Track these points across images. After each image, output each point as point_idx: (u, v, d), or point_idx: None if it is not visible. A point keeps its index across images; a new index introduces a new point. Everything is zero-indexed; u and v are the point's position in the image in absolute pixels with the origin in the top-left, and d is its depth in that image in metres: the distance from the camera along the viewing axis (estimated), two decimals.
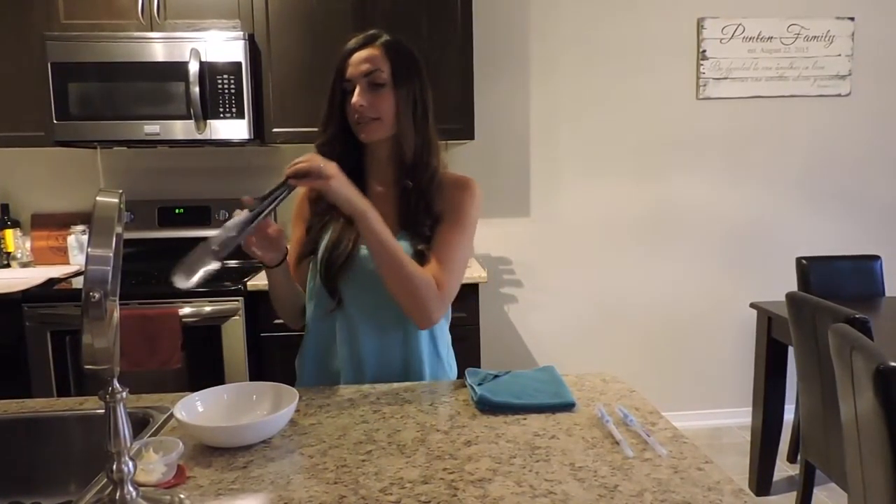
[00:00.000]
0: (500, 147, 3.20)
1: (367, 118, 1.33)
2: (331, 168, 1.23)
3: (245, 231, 1.18)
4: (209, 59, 2.60)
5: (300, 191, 1.44)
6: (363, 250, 1.35)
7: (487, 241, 3.24)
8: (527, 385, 1.26)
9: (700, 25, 3.20)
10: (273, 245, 1.31)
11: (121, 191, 0.81)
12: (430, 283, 1.30)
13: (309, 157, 1.23)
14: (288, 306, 1.46)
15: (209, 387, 1.17)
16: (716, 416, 3.41)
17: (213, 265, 1.13)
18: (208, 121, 2.62)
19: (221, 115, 2.62)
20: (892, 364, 1.36)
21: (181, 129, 2.63)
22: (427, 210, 1.38)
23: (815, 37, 3.25)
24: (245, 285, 2.51)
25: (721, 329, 3.39)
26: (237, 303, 2.48)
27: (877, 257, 2.91)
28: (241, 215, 1.19)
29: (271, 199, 1.21)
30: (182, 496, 0.88)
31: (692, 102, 3.26)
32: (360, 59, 1.33)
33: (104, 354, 0.77)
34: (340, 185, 1.24)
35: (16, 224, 2.97)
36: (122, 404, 0.82)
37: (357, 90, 1.32)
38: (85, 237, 2.90)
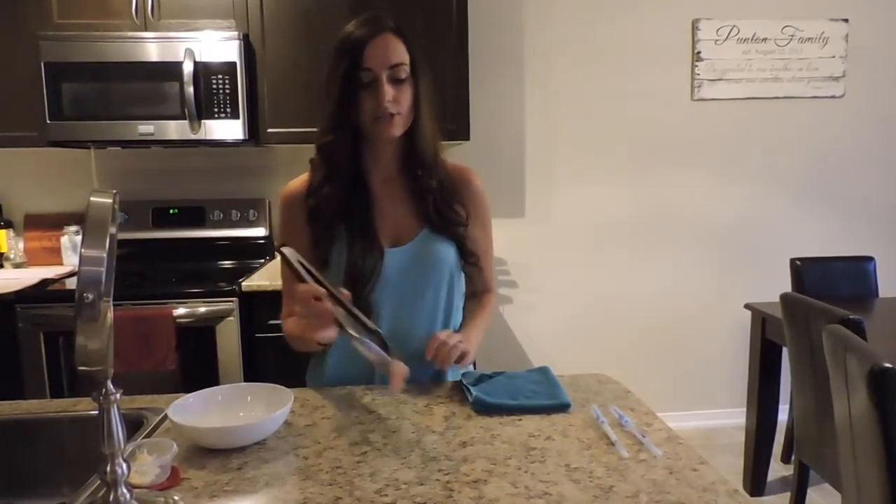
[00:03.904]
0: (496, 148, 3.20)
1: (389, 114, 1.25)
2: (461, 342, 1.24)
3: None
4: (203, 60, 2.59)
5: (285, 195, 1.37)
6: (391, 256, 1.31)
7: None
8: (522, 386, 1.26)
9: (695, 27, 3.21)
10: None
11: (114, 191, 0.80)
12: (491, 305, 1.48)
13: (455, 344, 1.22)
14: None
15: (203, 388, 1.16)
16: (710, 416, 3.42)
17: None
18: (203, 121, 2.61)
19: (216, 116, 2.62)
20: (886, 365, 1.37)
21: (175, 129, 2.62)
22: (450, 206, 1.36)
23: (809, 38, 3.26)
24: (240, 286, 2.50)
25: (715, 330, 3.40)
26: (231, 303, 2.47)
27: (870, 258, 2.92)
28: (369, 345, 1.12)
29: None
30: (176, 498, 0.88)
31: (687, 103, 3.27)
32: (383, 49, 1.23)
33: (98, 356, 0.77)
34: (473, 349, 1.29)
35: (9, 225, 2.96)
36: (115, 406, 0.81)
37: (385, 83, 1.23)
38: (78, 238, 2.89)
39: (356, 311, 1.15)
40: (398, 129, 1.28)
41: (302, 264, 1.17)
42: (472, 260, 1.39)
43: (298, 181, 1.38)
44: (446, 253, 1.35)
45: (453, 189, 1.37)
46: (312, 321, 1.12)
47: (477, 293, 1.48)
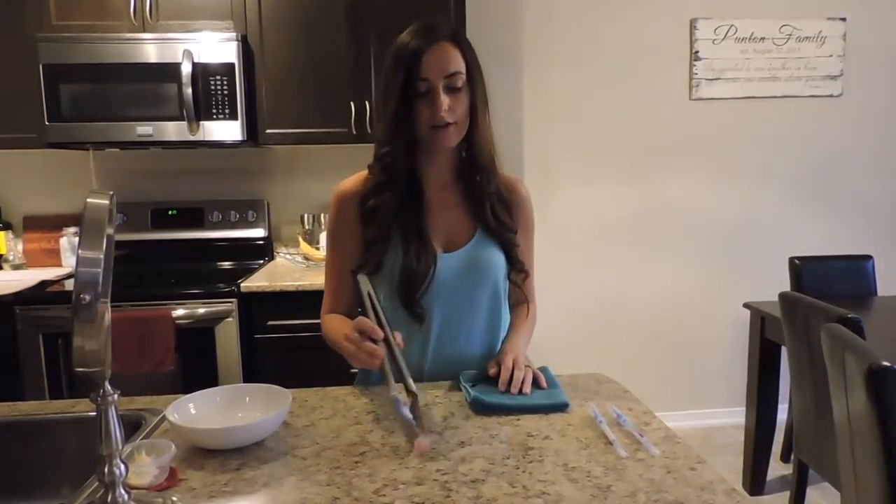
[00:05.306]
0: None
1: (446, 124, 1.25)
2: (527, 366, 1.26)
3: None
4: (202, 61, 2.59)
5: (339, 193, 1.37)
6: (444, 260, 1.32)
7: None
8: None
9: (693, 26, 3.21)
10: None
11: (111, 192, 0.80)
12: (535, 316, 1.47)
13: (518, 365, 1.23)
14: None
15: (202, 389, 1.16)
16: (709, 416, 3.42)
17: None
18: (201, 122, 2.61)
19: (214, 117, 2.62)
20: (884, 364, 1.37)
21: (174, 130, 2.62)
22: (505, 212, 1.37)
23: (806, 37, 3.26)
24: (238, 287, 2.50)
25: (714, 329, 3.40)
26: (231, 304, 2.47)
27: (869, 257, 2.93)
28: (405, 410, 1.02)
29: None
30: (174, 499, 0.88)
31: (685, 103, 3.27)
32: (440, 59, 1.23)
33: (95, 357, 0.77)
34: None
35: (8, 226, 2.96)
36: (113, 407, 0.81)
37: (441, 93, 1.23)
38: (77, 239, 2.89)
39: (403, 365, 1.12)
40: (454, 138, 1.29)
41: (370, 297, 1.18)
42: (518, 267, 1.40)
43: (353, 181, 1.38)
44: (497, 260, 1.36)
45: (505, 196, 1.40)
46: (360, 355, 1.13)
47: (520, 303, 1.48)
